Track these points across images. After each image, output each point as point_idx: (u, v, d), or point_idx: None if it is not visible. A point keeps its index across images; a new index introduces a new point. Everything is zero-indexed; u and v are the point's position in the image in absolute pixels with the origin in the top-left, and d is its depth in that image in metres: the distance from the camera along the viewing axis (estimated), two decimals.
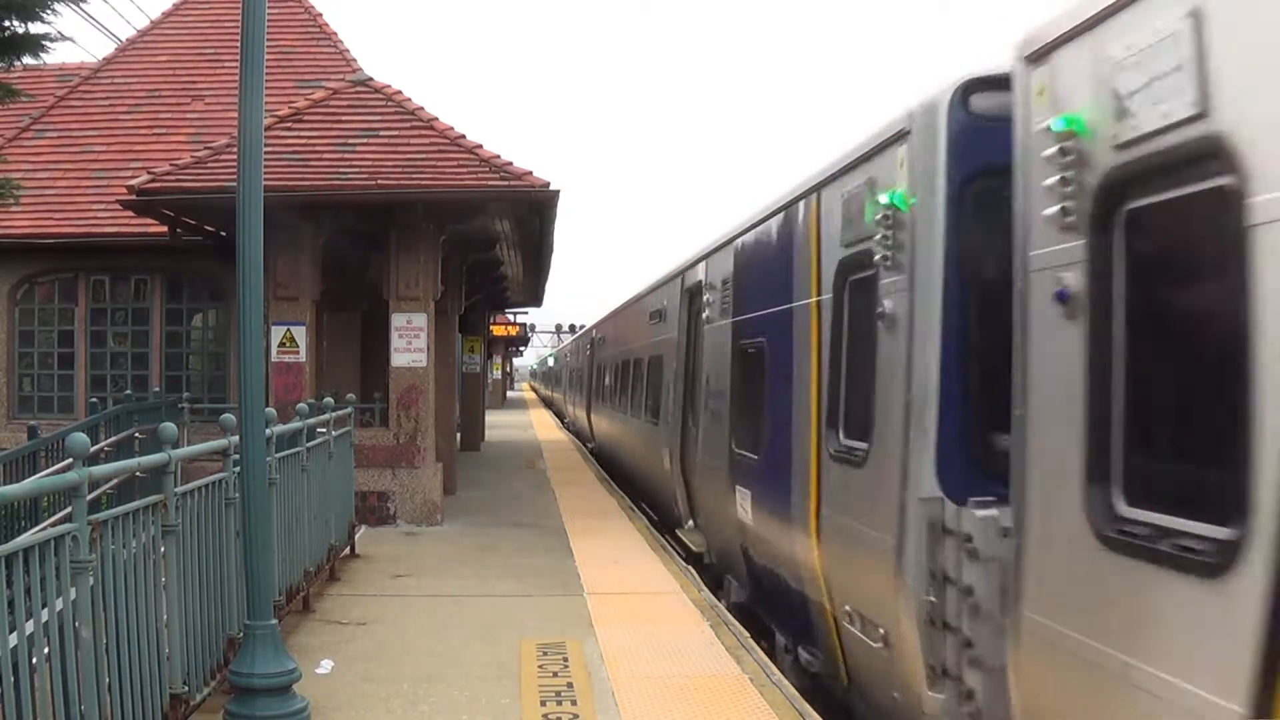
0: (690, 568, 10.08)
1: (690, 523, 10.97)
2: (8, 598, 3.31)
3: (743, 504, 8.14)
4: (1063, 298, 3.72)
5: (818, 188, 6.51)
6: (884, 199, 5.15)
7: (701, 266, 10.54)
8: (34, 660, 3.44)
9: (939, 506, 4.67)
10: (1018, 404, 4.11)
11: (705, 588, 9.12)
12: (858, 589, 5.64)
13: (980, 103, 4.74)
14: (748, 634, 7.57)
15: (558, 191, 11.49)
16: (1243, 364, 2.86)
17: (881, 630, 5.21)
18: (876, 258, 5.29)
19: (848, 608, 5.75)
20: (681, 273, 11.92)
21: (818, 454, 6.24)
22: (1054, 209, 3.76)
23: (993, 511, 4.39)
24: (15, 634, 3.31)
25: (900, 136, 5.15)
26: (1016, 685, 4.07)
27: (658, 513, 14.01)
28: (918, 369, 4.89)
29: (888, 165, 5.30)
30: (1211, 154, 2.99)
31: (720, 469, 9.02)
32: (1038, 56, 3.97)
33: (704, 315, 10.14)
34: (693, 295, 11.13)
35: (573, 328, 59.16)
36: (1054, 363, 3.86)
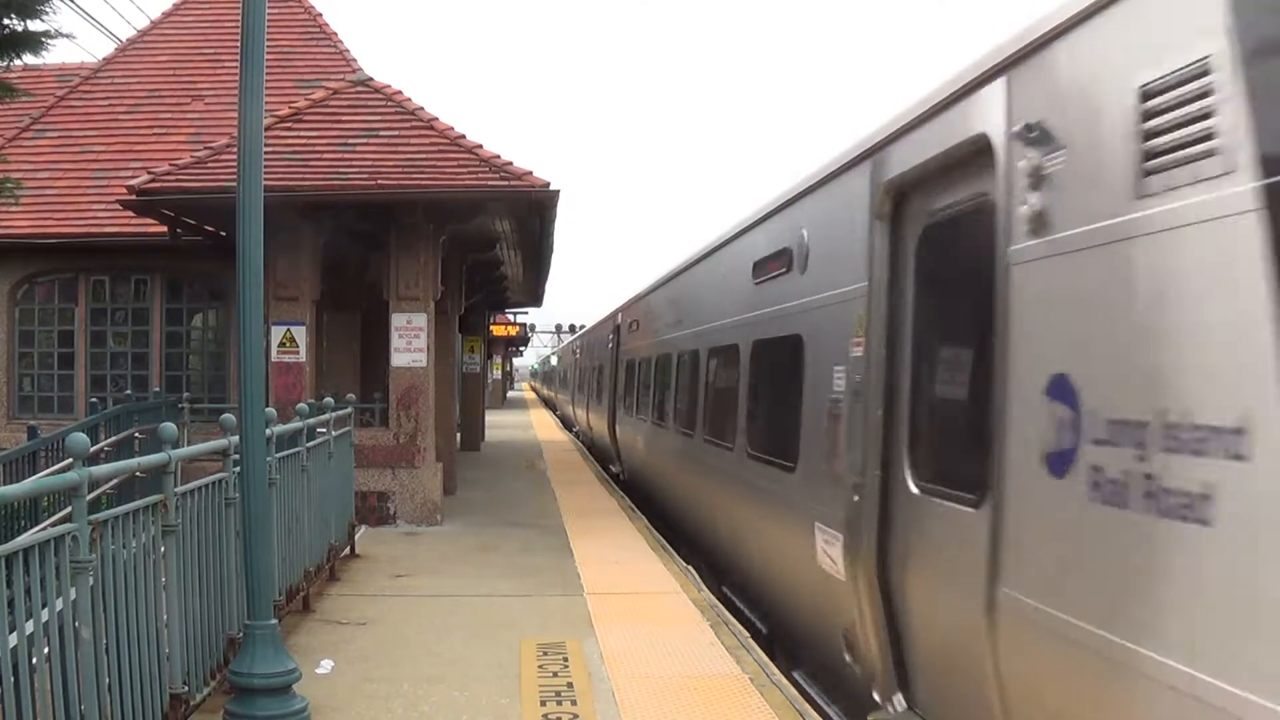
0: (690, 568, 10.02)
1: (899, 704, 5.15)
2: (8, 598, 3.30)
3: None
4: None
5: None
6: None
7: (997, 88, 4.07)
8: (34, 660, 3.44)
9: None
10: None
11: (705, 588, 9.11)
12: None
13: None
14: (748, 634, 7.57)
15: (557, 191, 11.51)
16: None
17: None
18: None
19: None
20: (862, 157, 5.58)
21: None
22: None
23: None
24: (15, 634, 3.31)
25: None
26: None
27: (767, 621, 7.99)
28: None
29: None
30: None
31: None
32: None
33: (1030, 218, 3.75)
34: (905, 196, 5.15)
35: (573, 328, 59.15)
36: None
